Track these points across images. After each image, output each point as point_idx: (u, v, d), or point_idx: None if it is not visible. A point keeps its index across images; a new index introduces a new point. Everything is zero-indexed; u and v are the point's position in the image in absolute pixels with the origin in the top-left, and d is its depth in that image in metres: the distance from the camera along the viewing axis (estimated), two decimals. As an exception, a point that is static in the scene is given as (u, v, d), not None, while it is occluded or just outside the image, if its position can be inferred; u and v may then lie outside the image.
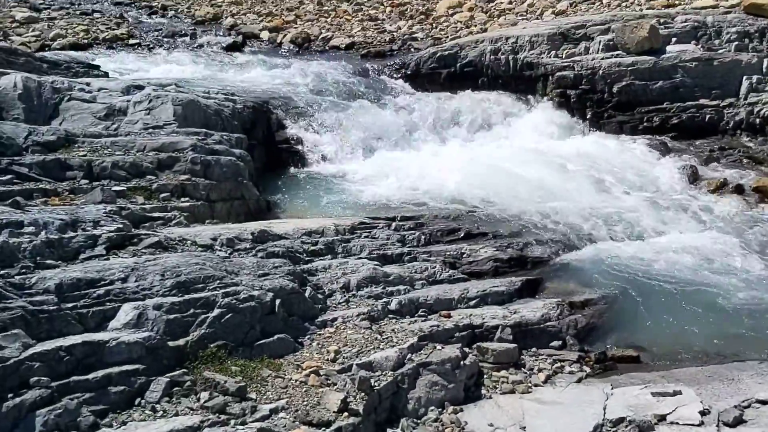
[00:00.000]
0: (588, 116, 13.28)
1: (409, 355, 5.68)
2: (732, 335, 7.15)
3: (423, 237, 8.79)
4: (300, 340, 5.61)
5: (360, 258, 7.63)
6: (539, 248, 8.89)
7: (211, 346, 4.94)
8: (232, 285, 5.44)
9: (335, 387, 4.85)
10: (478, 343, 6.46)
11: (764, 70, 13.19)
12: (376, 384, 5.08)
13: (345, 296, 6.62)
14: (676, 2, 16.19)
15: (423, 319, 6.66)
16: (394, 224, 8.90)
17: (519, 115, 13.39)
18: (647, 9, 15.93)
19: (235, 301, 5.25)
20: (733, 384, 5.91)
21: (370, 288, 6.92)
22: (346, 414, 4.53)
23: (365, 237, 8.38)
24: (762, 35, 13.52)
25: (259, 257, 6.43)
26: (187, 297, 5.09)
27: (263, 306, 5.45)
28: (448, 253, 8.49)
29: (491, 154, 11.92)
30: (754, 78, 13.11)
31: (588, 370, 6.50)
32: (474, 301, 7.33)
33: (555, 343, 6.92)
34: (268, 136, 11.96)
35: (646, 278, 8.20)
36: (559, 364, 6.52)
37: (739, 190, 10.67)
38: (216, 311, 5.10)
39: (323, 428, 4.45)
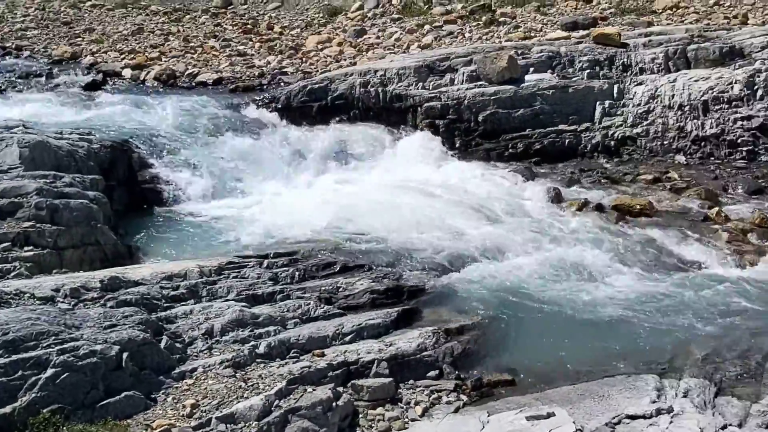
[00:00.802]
0: (456, 145, 13.53)
1: (276, 402, 5.31)
2: (602, 350, 7.29)
3: (297, 273, 8.48)
4: (153, 396, 5.10)
5: (227, 300, 7.18)
6: (415, 277, 8.81)
7: (44, 411, 4.36)
8: (71, 340, 4.87)
9: (189, 446, 4.41)
10: (352, 381, 6.19)
11: (615, 95, 14.03)
12: (237, 438, 4.67)
13: (207, 343, 6.15)
14: (532, 34, 17.01)
15: (294, 360, 6.32)
16: (266, 262, 8.54)
17: (390, 146, 13.40)
18: (506, 41, 16.61)
19: (72, 358, 4.69)
20: (604, 401, 5.97)
21: (237, 332, 6.50)
22: (198, 476, 4.10)
23: (234, 277, 7.95)
24: (611, 63, 14.40)
25: (107, 307, 5.86)
26: (15, 357, 4.49)
27: (107, 361, 4.92)
28: (323, 288, 8.22)
29: (364, 186, 11.84)
30: (606, 103, 13.91)
31: (465, 398, 6.38)
32: (349, 337, 7.07)
33: (432, 373, 6.76)
34: (130, 176, 11.27)
35: (518, 299, 8.29)
36: (436, 395, 6.36)
37: (599, 208, 11.14)
38: (50, 371, 4.53)
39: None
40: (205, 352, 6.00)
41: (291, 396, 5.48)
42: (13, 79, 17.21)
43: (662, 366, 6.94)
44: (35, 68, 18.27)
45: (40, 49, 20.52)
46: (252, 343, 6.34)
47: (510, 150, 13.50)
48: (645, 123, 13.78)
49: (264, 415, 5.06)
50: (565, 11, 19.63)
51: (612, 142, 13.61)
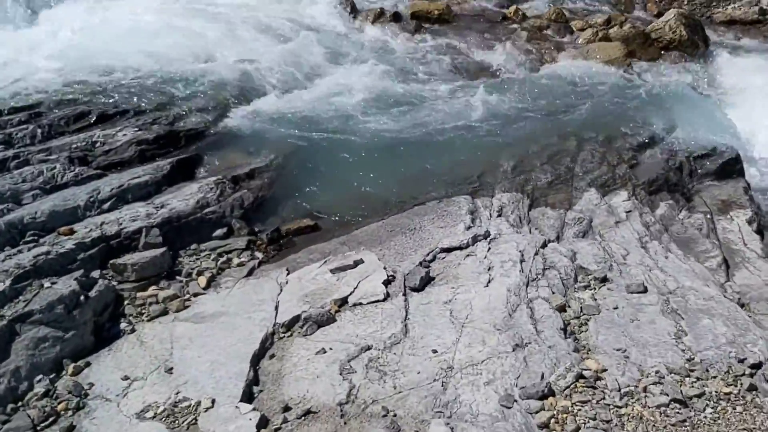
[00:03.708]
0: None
1: (-6, 311, 3.93)
2: (410, 177, 6.50)
3: (40, 131, 6.77)
4: None
5: (-71, 183, 5.38)
6: (193, 118, 7.37)
7: None
8: None
9: None
10: (112, 260, 4.89)
11: None
12: None
13: None
14: None
15: (31, 246, 4.84)
16: (-4, 122, 6.65)
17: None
18: None
19: None
20: (416, 234, 5.23)
21: (-60, 224, 4.83)
22: None
23: (-55, 151, 6.07)
24: None
25: None
26: None
27: None
28: (75, 145, 6.59)
29: (120, 12, 9.69)
30: None
31: (261, 255, 5.35)
32: (108, 203, 5.64)
33: (219, 232, 5.61)
34: None
35: (316, 131, 7.20)
36: (225, 258, 5.27)
37: (396, 17, 10.09)
38: None
39: None
40: None
41: (20, 298, 4.11)
42: None
43: (473, 184, 6.34)
44: None
45: None
46: (-36, 234, 4.75)
47: (294, -42, 11.69)
48: None
49: (-27, 335, 3.70)
50: None
51: (405, -59, 12.25)
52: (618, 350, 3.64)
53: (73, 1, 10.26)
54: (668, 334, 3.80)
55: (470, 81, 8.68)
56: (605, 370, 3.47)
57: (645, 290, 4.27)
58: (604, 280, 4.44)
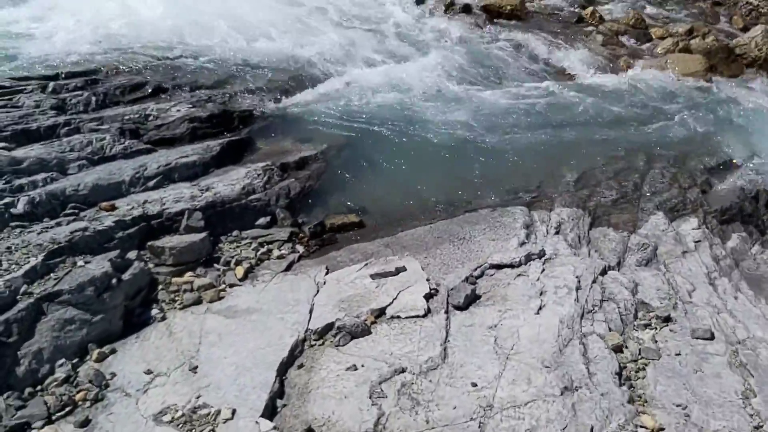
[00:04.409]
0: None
1: (25, 287, 3.80)
2: (466, 179, 6.22)
3: (95, 99, 6.65)
4: None
5: (-21, 141, 5.32)
6: (249, 99, 7.22)
7: None
8: None
9: None
10: (150, 242, 4.75)
11: None
12: (-59, 356, 3.20)
13: (-69, 206, 4.41)
14: None
15: (70, 220, 4.73)
16: (52, 85, 6.60)
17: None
18: None
19: None
20: (465, 245, 4.92)
21: (-15, 186, 4.76)
22: None
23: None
24: None
25: None
26: None
27: None
28: (128, 116, 6.47)
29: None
30: None
31: (302, 249, 5.15)
32: (154, 181, 5.51)
33: (262, 221, 5.43)
34: None
35: (372, 122, 6.96)
36: (265, 249, 5.08)
37: (467, 10, 9.72)
38: None
39: None
40: (-75, 220, 4.29)
41: (51, 275, 3.98)
42: None
43: (531, 194, 6.00)
44: None
45: None
46: (6, 199, 4.65)
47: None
48: None
49: (3, 310, 3.57)
50: None
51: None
52: (678, 406, 3.30)
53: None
54: (735, 393, 3.43)
55: (539, 83, 8.29)
56: (662, 430, 3.14)
57: (712, 337, 3.89)
58: (668, 319, 4.07)
